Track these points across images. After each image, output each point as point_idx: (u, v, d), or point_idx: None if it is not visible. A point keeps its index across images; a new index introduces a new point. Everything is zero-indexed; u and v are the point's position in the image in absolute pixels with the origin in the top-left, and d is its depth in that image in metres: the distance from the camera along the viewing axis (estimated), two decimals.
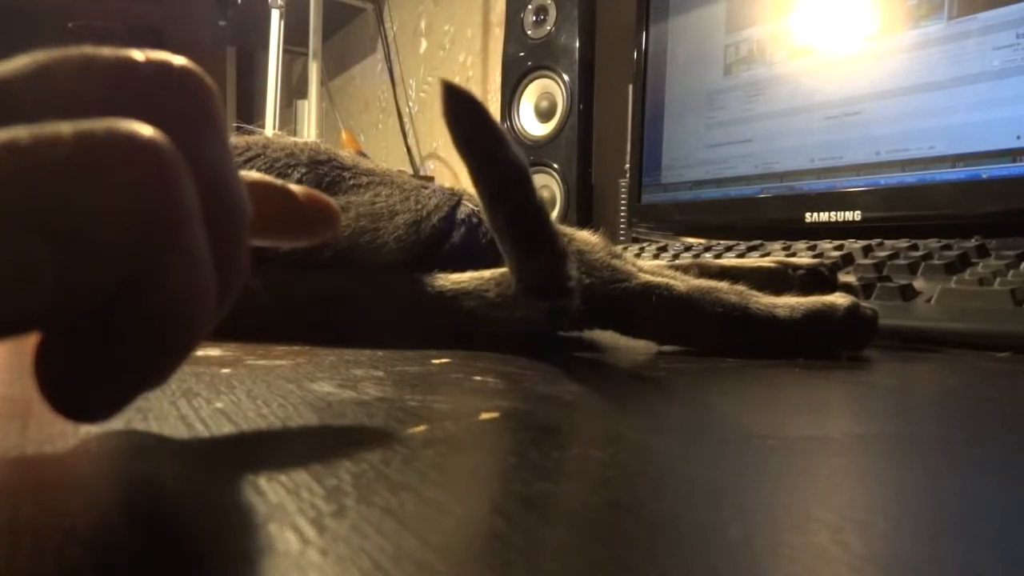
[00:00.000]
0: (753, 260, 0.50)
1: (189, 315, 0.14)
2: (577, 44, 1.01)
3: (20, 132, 0.12)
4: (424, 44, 1.78)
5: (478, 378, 0.27)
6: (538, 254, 0.32)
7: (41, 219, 0.12)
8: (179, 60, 0.15)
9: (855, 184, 0.64)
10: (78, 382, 0.14)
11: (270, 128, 1.62)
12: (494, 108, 1.49)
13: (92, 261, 0.12)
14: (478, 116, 0.29)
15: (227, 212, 0.15)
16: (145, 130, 0.13)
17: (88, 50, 0.14)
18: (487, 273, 0.36)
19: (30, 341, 0.14)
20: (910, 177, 0.61)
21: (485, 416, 0.20)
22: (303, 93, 1.82)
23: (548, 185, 1.06)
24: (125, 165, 0.12)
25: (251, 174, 0.19)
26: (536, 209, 0.31)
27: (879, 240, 0.57)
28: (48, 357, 0.14)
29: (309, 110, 1.76)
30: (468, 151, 0.29)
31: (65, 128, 0.12)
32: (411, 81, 1.83)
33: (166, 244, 0.13)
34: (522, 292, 0.33)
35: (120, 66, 0.14)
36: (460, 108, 0.28)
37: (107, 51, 0.14)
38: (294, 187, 0.20)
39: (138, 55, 0.14)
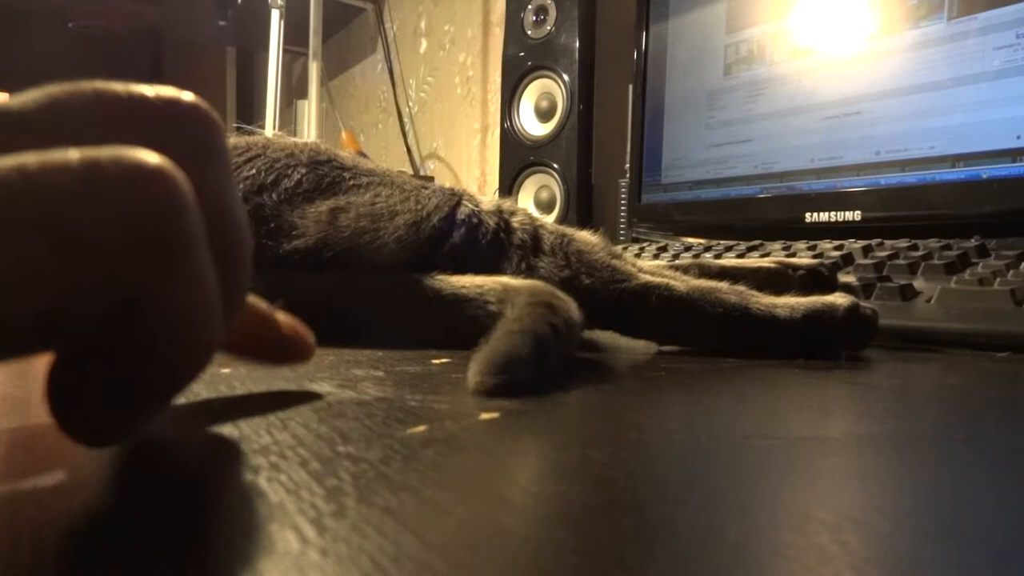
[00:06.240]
0: (753, 260, 0.50)
1: (195, 336, 0.14)
2: (577, 44, 1.01)
3: (28, 158, 0.12)
4: (424, 44, 1.78)
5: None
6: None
7: (47, 229, 0.12)
8: (187, 96, 0.15)
9: (855, 184, 0.64)
10: (88, 406, 0.14)
11: (270, 128, 1.62)
12: (494, 108, 1.50)
13: (96, 272, 0.12)
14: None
15: (231, 239, 0.16)
16: (151, 157, 0.13)
17: (99, 84, 0.14)
18: (488, 282, 0.36)
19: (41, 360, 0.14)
20: (910, 177, 0.61)
21: (485, 416, 0.20)
22: (303, 93, 1.82)
23: (548, 185, 1.06)
24: (131, 190, 0.12)
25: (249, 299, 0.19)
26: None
27: (879, 240, 0.57)
28: (59, 382, 0.14)
29: (309, 110, 1.76)
30: None
31: (72, 154, 0.12)
32: (411, 81, 1.83)
33: (172, 266, 0.13)
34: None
35: (130, 100, 0.15)
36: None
37: (117, 85, 0.15)
38: (280, 316, 0.21)
39: (148, 90, 0.15)
